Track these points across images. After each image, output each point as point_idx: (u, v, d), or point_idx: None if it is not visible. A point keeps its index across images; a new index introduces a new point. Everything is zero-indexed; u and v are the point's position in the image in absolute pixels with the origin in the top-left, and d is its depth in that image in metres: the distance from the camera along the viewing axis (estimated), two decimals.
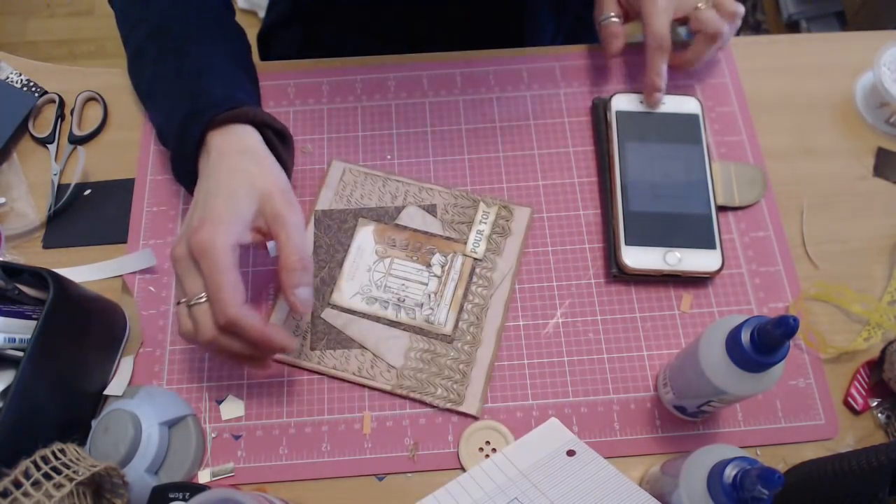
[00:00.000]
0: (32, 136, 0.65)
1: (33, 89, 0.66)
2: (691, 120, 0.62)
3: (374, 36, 0.75)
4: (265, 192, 0.49)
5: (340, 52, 0.70)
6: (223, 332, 0.46)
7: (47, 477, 0.41)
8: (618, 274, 0.57)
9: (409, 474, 0.52)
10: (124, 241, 0.60)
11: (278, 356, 0.55)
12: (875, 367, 0.55)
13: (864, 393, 0.54)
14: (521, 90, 0.66)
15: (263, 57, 0.87)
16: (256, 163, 0.50)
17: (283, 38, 0.84)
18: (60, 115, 0.65)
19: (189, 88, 0.54)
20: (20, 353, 0.47)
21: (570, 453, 0.50)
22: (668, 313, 0.57)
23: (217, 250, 0.45)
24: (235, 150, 0.51)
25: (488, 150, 0.63)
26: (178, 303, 0.48)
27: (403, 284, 0.57)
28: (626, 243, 0.57)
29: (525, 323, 0.57)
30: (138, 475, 0.48)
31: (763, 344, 0.40)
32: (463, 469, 0.52)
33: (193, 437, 0.52)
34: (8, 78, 0.67)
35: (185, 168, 0.53)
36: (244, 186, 0.48)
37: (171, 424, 0.52)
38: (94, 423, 0.50)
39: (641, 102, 0.62)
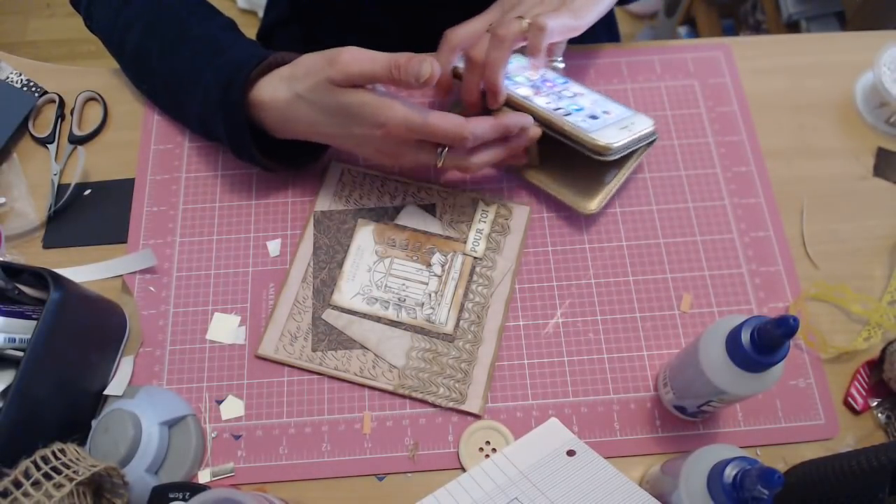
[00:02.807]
0: (32, 136, 0.65)
1: (33, 89, 0.66)
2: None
3: (374, 34, 0.75)
4: (336, 78, 0.50)
5: None
6: (478, 149, 0.53)
7: (47, 477, 0.41)
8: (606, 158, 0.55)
9: (409, 474, 0.52)
10: (124, 241, 0.60)
11: (280, 358, 0.55)
12: (875, 367, 0.55)
13: (864, 393, 0.54)
14: None
15: None
16: (302, 78, 0.52)
17: (283, 38, 0.84)
18: (60, 115, 0.65)
19: (213, 63, 0.55)
20: (20, 353, 0.47)
21: (570, 453, 0.50)
22: (668, 313, 0.57)
23: (410, 113, 0.50)
24: (285, 95, 0.53)
25: None
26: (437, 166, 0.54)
27: (404, 284, 0.57)
28: (590, 130, 0.55)
29: (525, 323, 0.57)
30: (138, 475, 0.48)
31: (763, 344, 0.40)
32: (463, 469, 0.52)
33: (193, 437, 0.52)
34: (8, 78, 0.67)
35: (242, 141, 0.54)
36: (329, 92, 0.51)
37: (171, 424, 0.52)
38: (94, 423, 0.50)
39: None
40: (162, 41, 0.58)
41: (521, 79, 0.59)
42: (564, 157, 0.59)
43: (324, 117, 0.52)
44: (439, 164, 0.53)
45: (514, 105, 0.56)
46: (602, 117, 0.57)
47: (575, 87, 0.61)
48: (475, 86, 0.56)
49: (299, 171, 0.62)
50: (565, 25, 0.54)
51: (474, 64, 0.55)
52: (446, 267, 0.58)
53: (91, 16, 0.63)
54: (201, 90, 0.55)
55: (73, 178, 0.61)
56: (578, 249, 0.59)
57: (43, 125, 0.66)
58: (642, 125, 0.58)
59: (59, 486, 0.41)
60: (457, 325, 0.56)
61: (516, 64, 0.61)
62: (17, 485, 0.40)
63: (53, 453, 0.42)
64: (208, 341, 0.56)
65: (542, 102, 0.57)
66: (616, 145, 0.54)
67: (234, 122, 0.53)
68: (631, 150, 0.57)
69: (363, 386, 0.54)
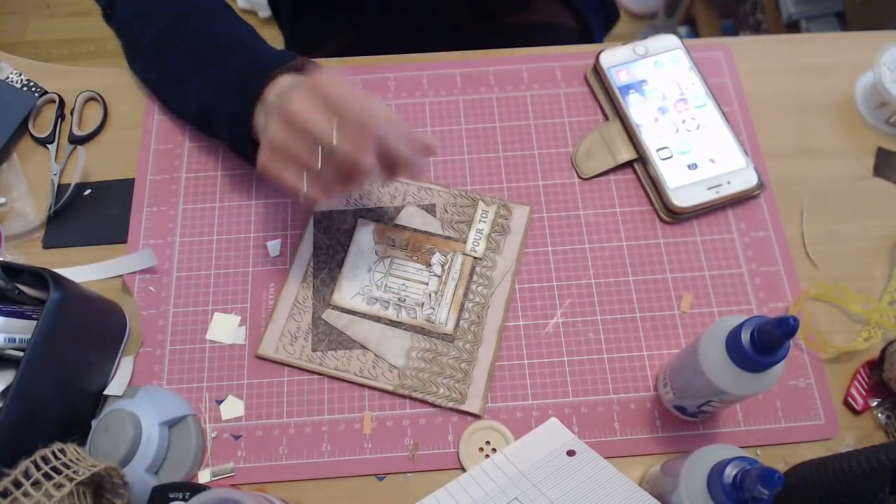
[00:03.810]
0: (32, 136, 0.65)
1: (33, 89, 0.66)
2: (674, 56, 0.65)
3: (353, 9, 0.75)
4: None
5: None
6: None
7: (47, 477, 0.41)
8: (672, 219, 0.60)
9: (409, 474, 0.52)
10: (124, 241, 0.60)
11: (280, 358, 0.55)
12: (875, 367, 0.55)
13: (864, 393, 0.54)
14: (521, 90, 0.66)
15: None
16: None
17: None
18: (60, 115, 0.65)
19: (237, 54, 0.55)
20: (20, 353, 0.47)
21: (570, 453, 0.50)
22: (668, 313, 0.57)
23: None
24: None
25: (488, 150, 0.63)
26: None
27: (404, 284, 0.57)
28: (671, 186, 0.59)
29: (525, 323, 0.57)
30: (138, 475, 0.48)
31: (763, 344, 0.40)
32: (463, 469, 0.52)
33: (193, 437, 0.52)
34: (8, 78, 0.67)
35: (242, 132, 0.54)
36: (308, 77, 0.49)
37: (171, 424, 0.52)
38: (94, 423, 0.50)
39: (633, 51, 0.65)
40: (185, 33, 0.58)
41: (657, 94, 0.63)
42: None
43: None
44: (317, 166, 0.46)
45: (625, 124, 0.62)
46: (702, 168, 0.60)
47: (708, 116, 0.62)
48: None
49: None
50: None
51: None
52: (446, 267, 0.58)
53: (113, 4, 0.63)
54: (219, 80, 0.55)
55: (73, 178, 0.61)
56: (578, 249, 0.59)
57: (43, 125, 0.66)
58: (740, 185, 0.59)
59: (59, 486, 0.41)
60: (457, 325, 0.56)
61: (670, 69, 0.64)
62: (17, 485, 0.40)
63: (53, 453, 0.42)
64: (208, 341, 0.56)
65: (651, 136, 0.61)
66: (688, 208, 0.59)
67: (243, 112, 0.53)
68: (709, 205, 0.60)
69: (363, 386, 0.54)
